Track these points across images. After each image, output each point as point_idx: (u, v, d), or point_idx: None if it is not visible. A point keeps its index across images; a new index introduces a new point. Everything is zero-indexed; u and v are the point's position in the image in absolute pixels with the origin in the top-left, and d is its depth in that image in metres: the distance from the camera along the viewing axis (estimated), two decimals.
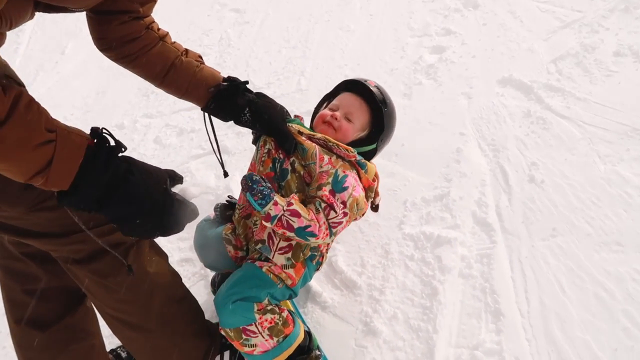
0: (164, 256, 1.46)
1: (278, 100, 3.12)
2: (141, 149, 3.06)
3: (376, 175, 1.59)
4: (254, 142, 1.67)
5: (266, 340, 1.40)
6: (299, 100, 3.01)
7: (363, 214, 1.55)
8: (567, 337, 1.47)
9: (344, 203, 1.43)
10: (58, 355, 1.41)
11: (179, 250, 2.19)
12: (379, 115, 1.63)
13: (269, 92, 3.14)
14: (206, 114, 1.54)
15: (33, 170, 0.86)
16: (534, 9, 3.08)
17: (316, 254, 1.56)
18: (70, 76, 4.26)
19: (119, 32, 1.31)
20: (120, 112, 3.46)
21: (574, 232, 1.75)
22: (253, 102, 1.51)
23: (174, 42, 1.46)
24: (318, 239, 1.39)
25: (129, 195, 0.97)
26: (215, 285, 1.86)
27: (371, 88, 1.64)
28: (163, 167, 2.82)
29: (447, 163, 2.21)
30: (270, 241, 1.50)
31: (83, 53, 4.34)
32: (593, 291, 1.56)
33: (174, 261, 2.11)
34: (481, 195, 2.00)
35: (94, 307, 1.43)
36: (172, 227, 1.08)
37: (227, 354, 1.59)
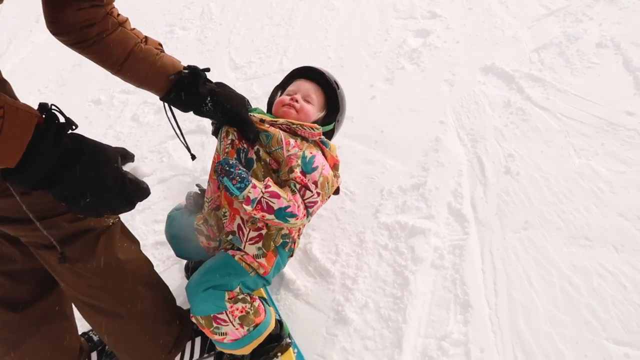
0: (135, 242, 1.45)
1: (259, 80, 3.10)
2: (118, 126, 3.01)
3: (336, 155, 1.64)
4: (214, 133, 1.65)
5: (236, 329, 1.41)
6: (279, 81, 2.96)
7: (337, 192, 1.62)
8: (531, 330, 1.50)
9: (315, 183, 1.46)
10: (30, 336, 1.41)
11: (154, 232, 2.18)
12: (333, 96, 1.70)
13: (250, 72, 3.15)
14: (166, 104, 1.49)
15: None
16: None
17: (288, 240, 1.57)
18: (45, 46, 4.13)
19: (75, 17, 1.24)
20: (97, 86, 3.38)
21: (545, 226, 1.77)
22: (214, 91, 1.46)
23: (134, 28, 1.40)
24: (297, 219, 1.40)
25: (80, 174, 0.94)
26: (189, 270, 1.86)
27: (324, 72, 1.72)
28: (141, 146, 2.79)
29: (425, 152, 2.21)
30: (240, 232, 1.50)
31: None
32: (559, 285, 1.59)
33: (148, 244, 2.10)
34: (457, 185, 2.01)
35: (65, 291, 1.42)
36: (122, 205, 1.05)
37: (198, 340, 1.60)
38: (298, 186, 1.43)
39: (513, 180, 1.97)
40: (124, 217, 2.22)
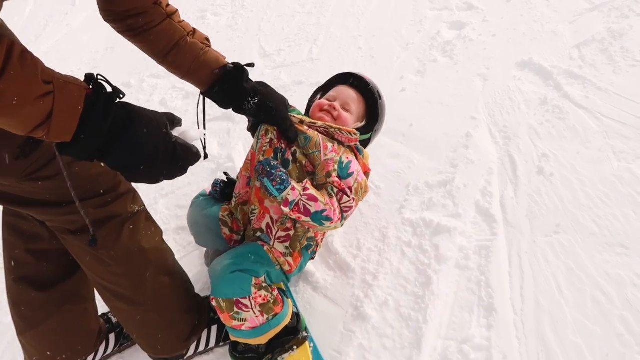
0: (158, 230, 1.45)
1: (288, 69, 3.07)
2: None
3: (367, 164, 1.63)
4: (250, 129, 1.64)
5: (256, 316, 1.40)
6: (309, 70, 2.93)
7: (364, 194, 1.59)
8: (558, 339, 1.43)
9: (350, 189, 1.46)
10: (51, 316, 1.44)
11: (177, 218, 2.18)
12: (374, 106, 1.66)
13: (279, 60, 3.12)
14: (201, 97, 1.47)
15: (33, 123, 0.82)
16: None
17: (312, 243, 1.57)
18: (79, 29, 4.19)
19: (125, 5, 1.25)
20: (128, 70, 3.41)
21: (578, 231, 1.69)
22: (257, 89, 1.45)
23: (182, 20, 1.39)
24: (332, 223, 1.40)
25: (130, 143, 0.93)
26: (209, 258, 1.85)
27: (368, 80, 1.67)
28: None
29: (455, 148, 2.14)
30: (269, 230, 1.51)
31: (94, 5, 4.25)
32: (591, 294, 1.52)
33: (170, 229, 2.11)
34: (487, 184, 1.94)
35: (87, 275, 1.43)
36: (175, 171, 1.05)
37: (214, 329, 1.59)
38: (336, 190, 1.43)
39: (546, 182, 1.89)
40: (147, 201, 2.24)
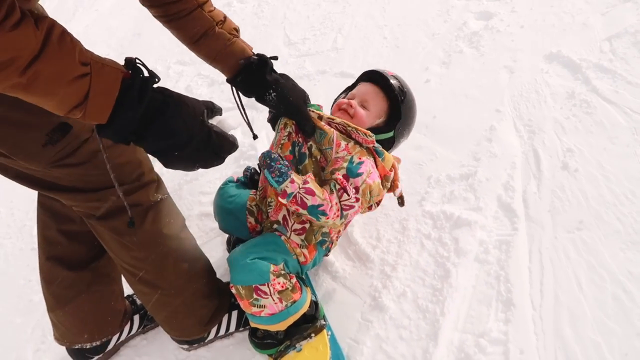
0: (181, 218, 1.49)
1: (312, 58, 3.07)
2: None
3: (394, 166, 1.59)
4: (270, 120, 1.68)
5: (275, 303, 1.43)
6: (333, 60, 2.93)
7: (379, 202, 1.58)
8: (577, 336, 1.43)
9: (356, 189, 1.45)
10: (80, 294, 1.50)
11: (200, 204, 2.23)
12: (395, 103, 1.64)
13: (303, 48, 3.12)
14: (233, 87, 1.52)
15: (70, 104, 0.85)
16: None
17: (326, 239, 1.59)
18: (108, 14, 4.25)
19: None
20: (155, 56, 3.46)
21: (602, 227, 1.67)
22: (279, 82, 1.48)
23: (213, 9, 1.43)
24: (328, 218, 1.40)
25: (165, 127, 0.95)
26: (231, 244, 1.89)
27: (388, 77, 1.65)
28: None
29: (478, 141, 2.12)
30: (285, 222, 1.54)
31: None
32: (612, 291, 1.50)
33: (193, 215, 2.16)
34: (509, 178, 1.93)
35: (112, 258, 1.48)
36: (211, 159, 1.07)
37: (234, 314, 1.63)
38: (338, 187, 1.44)
39: (570, 177, 1.86)
40: (171, 187, 2.29)
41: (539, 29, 2.65)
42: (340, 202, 1.43)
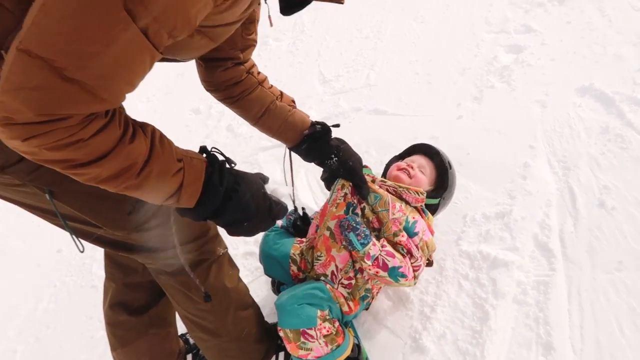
0: (236, 269, 1.61)
1: (346, 95, 3.17)
2: (214, 135, 3.24)
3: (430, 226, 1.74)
4: (324, 180, 1.79)
5: (321, 346, 1.52)
6: (366, 97, 3.03)
7: (426, 265, 1.73)
8: None
9: (416, 247, 1.58)
10: (139, 337, 1.64)
11: (245, 243, 2.34)
12: (445, 174, 1.83)
13: (337, 86, 3.24)
14: (287, 150, 1.68)
15: (168, 194, 0.99)
16: (626, 7, 2.85)
17: (369, 295, 1.69)
18: None
19: (222, 77, 1.46)
20: (198, 96, 3.65)
21: None
22: (340, 148, 1.63)
23: (271, 86, 1.59)
24: (407, 280, 1.53)
25: (239, 204, 1.09)
26: (275, 285, 1.98)
27: (439, 151, 1.86)
28: (235, 156, 2.99)
29: (512, 178, 2.17)
30: (333, 277, 1.66)
31: None
32: None
33: (238, 254, 2.27)
34: (545, 217, 1.96)
35: (175, 309, 1.60)
36: (269, 225, 1.22)
37: (281, 355, 1.72)
38: (405, 250, 1.56)
39: (607, 215, 1.88)
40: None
41: (570, 61, 2.68)
42: (412, 264, 1.56)
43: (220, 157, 1.11)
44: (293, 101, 1.65)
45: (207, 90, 1.53)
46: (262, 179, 1.26)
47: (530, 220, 1.97)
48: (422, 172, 1.81)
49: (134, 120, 0.93)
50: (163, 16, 0.78)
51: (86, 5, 0.71)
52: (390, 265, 1.50)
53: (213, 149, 1.10)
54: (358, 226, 1.52)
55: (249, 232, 1.17)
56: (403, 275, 1.52)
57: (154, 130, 0.96)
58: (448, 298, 1.80)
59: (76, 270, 2.55)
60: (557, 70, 2.65)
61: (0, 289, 2.56)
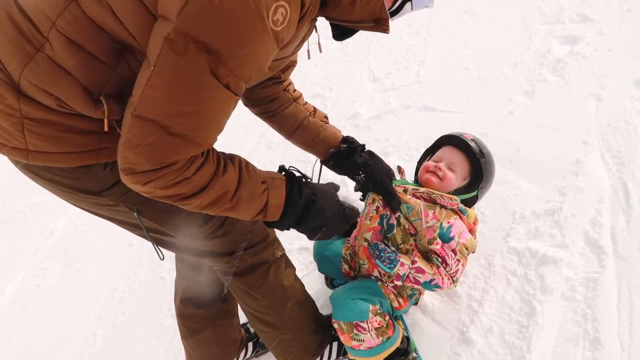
0: (293, 268, 1.75)
1: (396, 92, 3.22)
2: (269, 135, 3.36)
3: (475, 219, 1.77)
4: (359, 190, 1.87)
5: (373, 338, 1.63)
6: (416, 93, 3.07)
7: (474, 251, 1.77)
8: None
9: (454, 251, 1.64)
10: (207, 328, 1.82)
11: (299, 238, 2.47)
12: (477, 165, 1.78)
13: (387, 83, 3.30)
14: (318, 164, 1.80)
15: (257, 211, 1.17)
16: None
17: (415, 292, 1.79)
18: None
19: (261, 94, 1.59)
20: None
21: None
22: (367, 164, 1.72)
23: (306, 102, 1.72)
24: (442, 289, 1.62)
25: (317, 213, 1.26)
26: (328, 278, 2.11)
27: (468, 142, 1.79)
28: (289, 154, 3.11)
29: (563, 175, 2.16)
30: (378, 281, 1.76)
31: None
32: None
33: (294, 249, 2.41)
34: (597, 214, 1.95)
35: (239, 304, 1.78)
36: (345, 228, 1.40)
37: (335, 345, 1.84)
38: (440, 260, 1.63)
39: None
40: None
41: (629, 51, 2.61)
42: (447, 272, 1.63)
43: (297, 174, 1.28)
44: (326, 117, 1.76)
45: (246, 105, 1.65)
46: (335, 188, 1.39)
47: (581, 217, 1.97)
48: (451, 169, 1.76)
49: (224, 154, 1.12)
50: (241, 72, 0.95)
51: (180, 77, 0.91)
52: (421, 280, 1.59)
53: (291, 168, 1.28)
54: (382, 254, 1.61)
55: (328, 236, 1.33)
56: (437, 286, 1.60)
57: (240, 160, 1.15)
58: (496, 293, 1.85)
59: (146, 263, 2.78)
60: (614, 62, 2.59)
61: (82, 279, 2.84)
